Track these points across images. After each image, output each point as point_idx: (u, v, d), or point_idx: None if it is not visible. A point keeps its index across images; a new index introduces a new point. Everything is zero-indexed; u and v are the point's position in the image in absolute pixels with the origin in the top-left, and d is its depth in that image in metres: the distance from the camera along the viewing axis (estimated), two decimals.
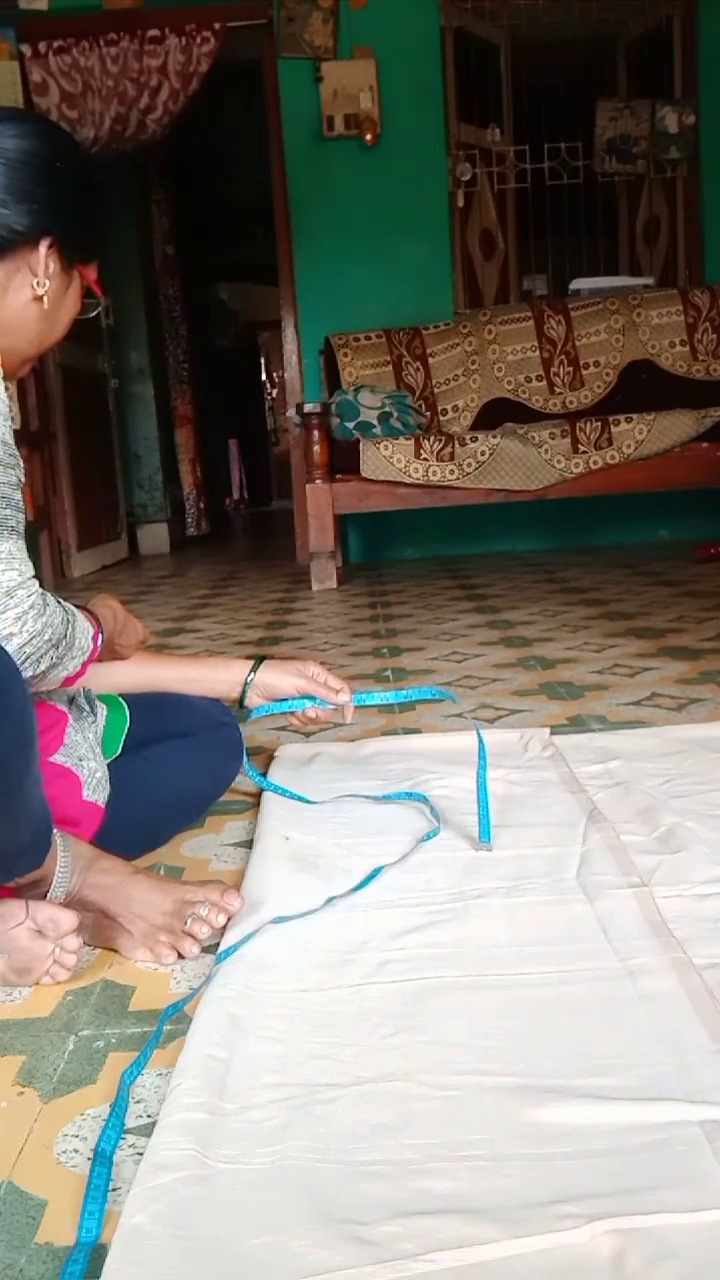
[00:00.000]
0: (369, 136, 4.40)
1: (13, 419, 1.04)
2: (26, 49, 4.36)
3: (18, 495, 1.02)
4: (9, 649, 0.98)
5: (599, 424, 3.72)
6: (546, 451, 3.70)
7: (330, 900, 1.12)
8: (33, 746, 0.97)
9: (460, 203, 4.62)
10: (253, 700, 1.42)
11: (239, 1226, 0.65)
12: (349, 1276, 0.60)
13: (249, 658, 1.44)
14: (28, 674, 1.02)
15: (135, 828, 1.18)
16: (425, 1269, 0.61)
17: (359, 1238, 0.63)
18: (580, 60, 4.80)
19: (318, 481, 3.78)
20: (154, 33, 4.35)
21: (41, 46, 4.35)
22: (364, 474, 3.70)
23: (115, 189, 5.96)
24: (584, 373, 4.29)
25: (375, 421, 3.92)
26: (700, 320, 4.24)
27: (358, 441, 3.74)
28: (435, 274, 4.60)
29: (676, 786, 1.39)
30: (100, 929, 1.06)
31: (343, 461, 3.78)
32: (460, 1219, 0.64)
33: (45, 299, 1.11)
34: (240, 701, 1.42)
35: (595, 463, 3.72)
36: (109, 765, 1.23)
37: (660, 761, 1.50)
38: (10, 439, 1.02)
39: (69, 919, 0.98)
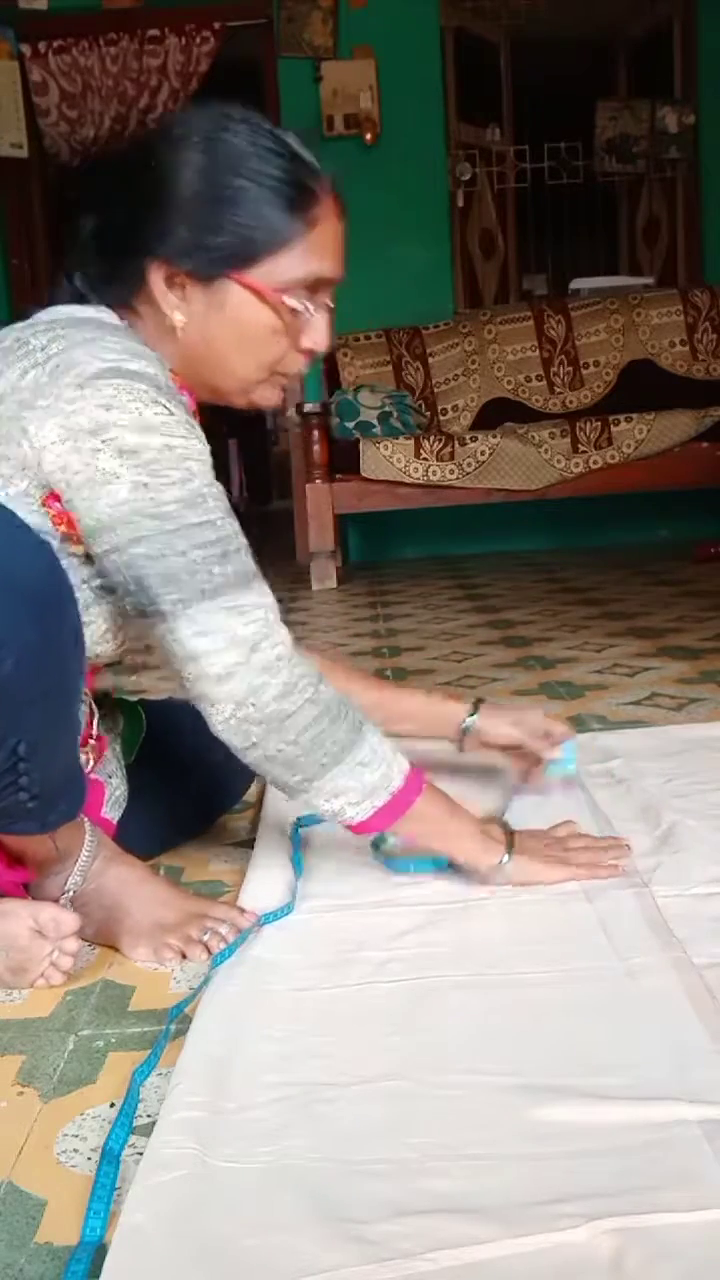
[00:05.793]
0: (369, 136, 4.40)
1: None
2: (26, 49, 4.35)
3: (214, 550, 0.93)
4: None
5: (599, 424, 3.72)
6: (546, 451, 3.70)
7: (294, 892, 1.12)
8: (83, 669, 0.96)
9: (460, 202, 4.62)
10: (468, 745, 1.31)
11: (239, 1226, 0.65)
12: (349, 1275, 0.60)
13: (476, 702, 1.33)
14: (235, 741, 0.97)
15: (133, 838, 1.18)
16: (425, 1268, 0.61)
17: (359, 1237, 0.63)
18: (580, 60, 4.79)
19: (318, 481, 3.78)
20: (154, 32, 4.35)
21: (41, 46, 4.35)
22: (364, 474, 3.70)
23: None
24: (584, 372, 4.29)
25: (375, 421, 3.91)
26: (700, 320, 4.24)
27: (358, 441, 3.74)
28: (435, 274, 4.59)
29: (677, 786, 1.39)
30: (107, 924, 1.06)
31: (343, 461, 3.78)
32: (460, 1218, 0.64)
33: (184, 328, 1.01)
34: (460, 745, 1.31)
35: (595, 462, 3.72)
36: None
37: (661, 761, 1.50)
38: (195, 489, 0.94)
39: (71, 920, 0.98)
